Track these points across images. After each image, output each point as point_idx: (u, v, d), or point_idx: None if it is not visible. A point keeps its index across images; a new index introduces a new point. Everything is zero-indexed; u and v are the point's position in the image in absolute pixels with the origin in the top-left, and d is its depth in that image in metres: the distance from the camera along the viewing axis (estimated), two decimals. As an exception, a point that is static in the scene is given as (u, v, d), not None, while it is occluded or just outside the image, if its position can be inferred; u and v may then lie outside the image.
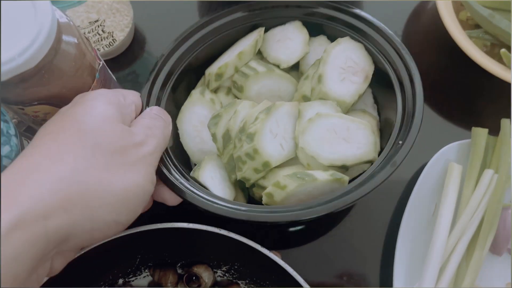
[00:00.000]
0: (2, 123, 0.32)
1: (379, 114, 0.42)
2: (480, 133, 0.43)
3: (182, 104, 0.42)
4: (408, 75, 0.38)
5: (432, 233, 0.41)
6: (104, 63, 0.39)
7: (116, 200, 0.29)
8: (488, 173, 0.41)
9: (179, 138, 0.41)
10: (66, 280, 0.33)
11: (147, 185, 0.31)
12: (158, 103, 0.39)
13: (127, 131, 0.31)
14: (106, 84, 0.39)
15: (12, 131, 0.33)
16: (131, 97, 0.35)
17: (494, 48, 0.47)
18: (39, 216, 0.25)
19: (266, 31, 0.43)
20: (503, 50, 0.43)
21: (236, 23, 0.43)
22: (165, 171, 0.35)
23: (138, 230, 0.34)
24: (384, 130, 0.40)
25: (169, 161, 0.37)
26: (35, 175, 0.27)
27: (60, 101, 0.33)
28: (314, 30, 0.43)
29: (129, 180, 0.29)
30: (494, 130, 0.43)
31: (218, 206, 0.33)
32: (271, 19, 0.43)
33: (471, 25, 0.48)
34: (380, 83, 0.40)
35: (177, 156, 0.39)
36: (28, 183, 0.26)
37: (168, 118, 0.36)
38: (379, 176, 0.33)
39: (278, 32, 0.43)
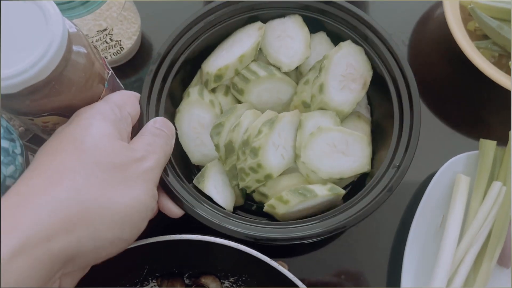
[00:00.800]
0: (8, 142, 0.32)
1: (371, 114, 0.43)
2: (488, 145, 0.42)
3: (178, 98, 0.41)
4: (408, 95, 0.38)
5: (439, 244, 0.41)
6: (113, 72, 0.39)
7: (118, 217, 0.29)
8: (496, 185, 0.41)
9: (177, 137, 0.41)
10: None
11: (149, 201, 0.31)
12: (158, 100, 0.39)
13: (126, 147, 0.31)
14: (114, 93, 0.39)
15: (17, 150, 0.33)
16: (127, 108, 0.35)
17: (502, 59, 0.47)
18: (42, 239, 0.25)
19: (264, 22, 0.42)
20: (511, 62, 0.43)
21: (232, 14, 0.41)
22: (168, 183, 0.35)
23: (146, 242, 0.34)
24: (375, 132, 0.41)
25: (172, 170, 0.36)
26: (34, 199, 0.26)
27: (69, 111, 0.33)
28: (313, 25, 0.42)
29: (131, 196, 0.29)
30: (503, 141, 0.43)
31: (221, 225, 0.35)
32: (268, 10, 0.42)
33: (479, 35, 0.48)
34: (375, 86, 0.40)
35: (176, 156, 0.38)
36: (28, 207, 0.26)
37: (172, 131, 0.36)
38: (374, 203, 0.35)
39: (277, 26, 0.42)
